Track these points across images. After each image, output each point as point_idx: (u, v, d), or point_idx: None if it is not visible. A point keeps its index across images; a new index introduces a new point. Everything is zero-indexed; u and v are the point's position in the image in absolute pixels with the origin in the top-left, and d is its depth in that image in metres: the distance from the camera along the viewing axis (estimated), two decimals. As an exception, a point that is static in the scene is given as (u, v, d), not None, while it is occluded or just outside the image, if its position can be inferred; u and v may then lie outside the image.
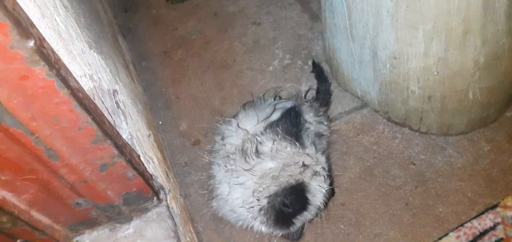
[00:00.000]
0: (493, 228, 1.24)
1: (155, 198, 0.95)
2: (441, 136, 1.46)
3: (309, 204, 1.06)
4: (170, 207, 1.04)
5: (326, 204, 1.10)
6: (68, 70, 0.63)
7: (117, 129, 0.84)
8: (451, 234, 1.25)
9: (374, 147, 1.47)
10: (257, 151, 1.05)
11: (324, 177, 1.08)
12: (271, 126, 1.11)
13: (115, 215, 0.91)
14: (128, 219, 0.95)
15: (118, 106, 0.95)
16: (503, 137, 1.44)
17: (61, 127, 0.65)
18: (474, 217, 1.27)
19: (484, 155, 1.41)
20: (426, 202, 1.32)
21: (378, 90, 1.43)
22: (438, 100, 1.34)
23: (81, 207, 0.84)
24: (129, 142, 0.90)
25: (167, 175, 1.19)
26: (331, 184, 1.12)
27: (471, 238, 1.23)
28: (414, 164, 1.42)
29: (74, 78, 0.65)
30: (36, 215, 0.80)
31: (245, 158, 1.06)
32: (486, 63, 1.23)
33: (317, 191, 1.06)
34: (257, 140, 1.08)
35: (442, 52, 1.21)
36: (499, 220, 1.25)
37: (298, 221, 1.08)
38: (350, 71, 1.49)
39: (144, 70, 1.68)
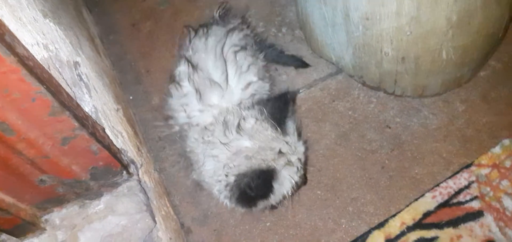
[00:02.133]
0: (467, 186, 1.26)
1: (124, 172, 0.92)
2: (416, 98, 1.47)
3: (273, 193, 1.05)
4: (142, 181, 1.01)
5: (293, 193, 1.11)
6: (15, 37, 0.58)
7: (78, 101, 0.80)
8: (427, 194, 1.26)
9: (350, 113, 1.47)
10: (239, 126, 1.03)
11: (297, 169, 1.07)
12: (259, 104, 1.09)
13: (84, 191, 0.88)
14: (98, 195, 0.92)
15: (81, 78, 0.91)
16: (477, 97, 1.45)
17: (13, 99, 0.61)
18: (449, 177, 1.29)
19: (458, 115, 1.43)
20: (402, 165, 1.33)
21: (352, 54, 1.42)
22: (412, 61, 1.33)
23: (46, 184, 0.80)
24: (93, 115, 0.87)
25: (139, 149, 1.16)
26: (304, 175, 1.12)
27: (446, 197, 1.25)
28: (390, 128, 1.42)
29: (23, 46, 0.60)
30: (-2, 194, 0.76)
31: (224, 131, 1.04)
32: (459, 20, 1.22)
33: (286, 180, 1.05)
34: (241, 115, 1.05)
35: (414, 10, 1.19)
36: (473, 178, 1.28)
37: (260, 205, 1.08)
38: (324, 36, 1.47)
39: (112, 43, 1.62)
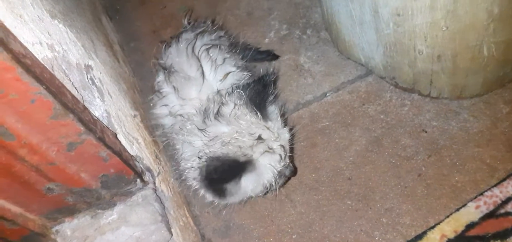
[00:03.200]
0: (516, 195, 1.14)
1: (138, 180, 0.87)
2: (454, 100, 1.35)
3: (238, 179, 1.00)
4: (159, 190, 0.96)
5: (284, 183, 1.08)
6: (10, 33, 0.54)
7: (87, 104, 0.76)
8: (469, 204, 1.15)
9: (382, 116, 1.37)
10: (218, 112, 1.01)
11: (281, 157, 1.01)
12: (238, 88, 1.07)
13: (95, 200, 0.83)
14: (110, 205, 0.87)
15: (93, 82, 0.87)
16: (523, 97, 1.33)
17: (10, 100, 0.57)
18: (495, 185, 1.17)
19: (502, 118, 1.30)
20: (440, 172, 1.22)
21: (383, 54, 1.32)
22: (449, 59, 1.22)
23: (54, 192, 0.76)
24: (105, 120, 0.82)
25: (157, 157, 1.11)
26: (291, 165, 1.08)
27: (492, 207, 1.13)
28: (426, 132, 1.31)
29: (20, 43, 0.56)
30: (3, 203, 0.72)
31: (204, 119, 1.03)
32: (501, 13, 1.11)
33: (266, 169, 1.00)
34: (221, 101, 1.02)
35: (451, 3, 1.09)
36: (522, 186, 1.15)
37: (234, 194, 1.03)
38: (351, 36, 1.38)
39: (133, 51, 1.60)
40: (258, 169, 1.00)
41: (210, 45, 1.18)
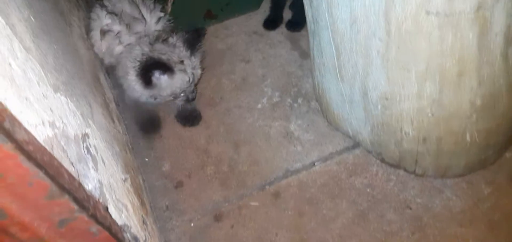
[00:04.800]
0: (496, 280, 1.16)
1: (125, 252, 0.86)
2: (438, 178, 1.39)
3: (161, 74, 1.37)
4: (144, 260, 0.95)
5: (182, 98, 1.46)
6: (17, 121, 0.56)
7: (81, 179, 0.77)
8: (451, 286, 1.16)
9: (368, 190, 1.40)
10: (165, 40, 1.43)
11: (189, 78, 1.41)
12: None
13: (81, 272, 0.82)
14: (95, 277, 0.86)
15: (88, 151, 0.88)
16: (503, 179, 1.37)
17: (8, 183, 0.58)
18: (476, 267, 1.19)
19: (484, 198, 1.34)
20: (424, 250, 1.24)
21: (370, 131, 1.37)
22: (433, 142, 1.27)
23: (40, 266, 0.75)
24: (97, 191, 0.83)
25: (144, 222, 1.11)
26: (195, 89, 1.47)
27: (473, 291, 1.15)
28: (411, 208, 1.34)
29: (25, 129, 0.58)
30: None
31: (151, 43, 1.41)
32: (483, 104, 1.17)
33: (178, 80, 1.39)
34: (167, 36, 1.45)
35: (436, 93, 1.15)
36: (502, 271, 1.17)
37: (156, 85, 1.38)
38: (341, 111, 1.43)
39: (127, 108, 1.62)
40: (174, 77, 1.38)
41: None
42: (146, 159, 1.48)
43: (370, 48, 1.14)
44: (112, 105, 1.41)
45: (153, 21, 1.50)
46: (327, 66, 1.34)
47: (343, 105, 1.39)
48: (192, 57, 1.42)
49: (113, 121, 1.29)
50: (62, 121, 0.77)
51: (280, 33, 1.91)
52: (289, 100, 1.65)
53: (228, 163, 1.49)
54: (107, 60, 1.50)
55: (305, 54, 1.80)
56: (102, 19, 1.45)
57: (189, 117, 1.59)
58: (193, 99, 1.48)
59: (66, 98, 0.86)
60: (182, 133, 1.57)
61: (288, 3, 1.94)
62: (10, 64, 0.63)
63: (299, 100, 1.65)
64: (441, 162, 1.34)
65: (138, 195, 1.20)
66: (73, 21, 1.37)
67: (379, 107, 1.25)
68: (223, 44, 1.86)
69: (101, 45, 1.46)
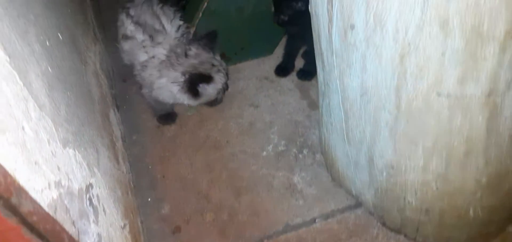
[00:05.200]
0: None
1: None
2: (439, 248, 1.38)
3: (211, 87, 1.62)
4: None
5: (224, 90, 1.70)
6: (24, 192, 0.57)
7: (81, 237, 0.77)
8: None
9: (367, 253, 1.38)
10: (186, 54, 1.60)
11: (223, 74, 1.65)
12: (197, 39, 1.67)
13: None
14: None
15: (90, 203, 0.88)
16: (505, 254, 1.35)
17: (9, 252, 0.58)
18: None
19: (485, 273, 1.32)
20: None
21: (374, 194, 1.36)
22: (436, 214, 1.26)
23: None
24: (96, 246, 0.83)
25: (140, 271, 1.10)
26: (227, 81, 1.68)
27: None
28: (410, 277, 1.32)
29: (31, 198, 0.58)
30: None
31: (177, 58, 1.59)
32: (489, 183, 1.17)
33: (218, 81, 1.63)
34: (186, 47, 1.62)
35: (442, 169, 1.15)
36: None
37: (203, 95, 1.61)
38: (345, 170, 1.43)
39: (133, 144, 1.63)
40: (215, 81, 1.60)
41: (161, 5, 1.70)
42: (149, 199, 1.48)
43: (379, 119, 1.14)
44: (119, 144, 1.42)
45: (173, 30, 1.66)
46: (335, 127, 1.35)
47: (348, 165, 1.39)
48: (216, 56, 1.65)
49: (118, 162, 1.30)
50: (68, 178, 0.78)
51: (291, 81, 1.92)
52: (294, 150, 1.66)
53: (228, 211, 1.48)
54: (126, 60, 1.70)
55: (314, 105, 1.81)
56: (127, 25, 1.64)
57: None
58: (227, 88, 1.71)
59: (74, 150, 0.86)
60: (185, 175, 1.57)
61: (301, 52, 1.96)
62: (23, 128, 0.64)
63: (305, 151, 1.65)
64: (443, 233, 1.32)
65: (136, 240, 1.19)
66: (89, 57, 1.39)
67: (384, 174, 1.25)
68: (234, 87, 1.88)
69: (122, 46, 1.67)
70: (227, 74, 1.66)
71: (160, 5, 1.69)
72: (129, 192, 1.33)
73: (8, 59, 0.65)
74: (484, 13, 0.87)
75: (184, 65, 1.56)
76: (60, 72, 0.96)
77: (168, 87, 1.58)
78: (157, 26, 1.63)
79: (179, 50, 1.59)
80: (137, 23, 1.62)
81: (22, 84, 0.68)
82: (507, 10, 0.86)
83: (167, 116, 1.76)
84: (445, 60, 0.96)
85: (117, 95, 1.79)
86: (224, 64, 1.65)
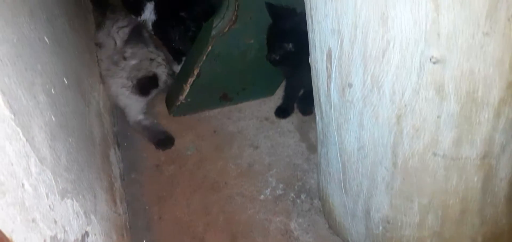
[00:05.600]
0: None
1: None
2: None
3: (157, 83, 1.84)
4: None
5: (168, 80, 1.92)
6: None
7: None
8: None
9: None
10: (124, 58, 1.77)
11: (164, 65, 1.87)
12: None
13: None
14: None
15: (85, 253, 0.89)
16: None
17: None
18: None
19: None
20: None
21: (370, 246, 1.36)
22: (432, 269, 1.25)
23: None
24: None
25: None
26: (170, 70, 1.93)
27: None
28: None
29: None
30: None
31: (117, 63, 1.77)
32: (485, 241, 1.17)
33: (162, 75, 1.85)
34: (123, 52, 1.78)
35: (438, 226, 1.15)
36: None
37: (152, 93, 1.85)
38: (343, 220, 1.43)
39: (132, 183, 1.63)
40: (159, 75, 1.81)
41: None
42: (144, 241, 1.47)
43: (376, 174, 1.15)
44: (117, 184, 1.43)
45: (110, 41, 1.79)
46: (333, 176, 1.35)
47: (346, 215, 1.39)
48: (150, 47, 1.81)
49: (115, 204, 1.30)
50: (64, 230, 0.79)
51: (291, 123, 1.94)
52: (292, 194, 1.66)
53: (223, 257, 1.47)
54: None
55: (313, 148, 1.82)
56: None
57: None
58: (173, 75, 1.91)
59: (72, 199, 0.88)
60: (182, 217, 1.56)
61: (300, 93, 1.99)
62: (23, 185, 0.65)
63: (303, 196, 1.65)
64: (439, 288, 1.31)
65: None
66: (93, 98, 1.42)
67: (380, 228, 1.25)
68: (235, 126, 1.90)
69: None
70: (167, 63, 1.83)
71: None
72: (125, 234, 1.33)
73: (12, 116, 0.67)
74: (478, 80, 0.89)
75: (126, 69, 1.73)
76: (64, 118, 0.98)
77: (119, 92, 1.75)
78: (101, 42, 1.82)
79: (115, 57, 1.74)
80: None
81: (24, 140, 0.70)
82: (501, 79, 0.89)
83: (165, 140, 1.81)
84: (441, 123, 0.98)
85: (119, 132, 1.81)
86: (161, 53, 1.81)
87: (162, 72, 1.80)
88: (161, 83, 1.82)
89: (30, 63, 0.84)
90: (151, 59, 1.77)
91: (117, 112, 1.91)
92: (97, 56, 1.78)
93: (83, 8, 1.72)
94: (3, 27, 0.75)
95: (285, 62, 1.72)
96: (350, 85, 1.05)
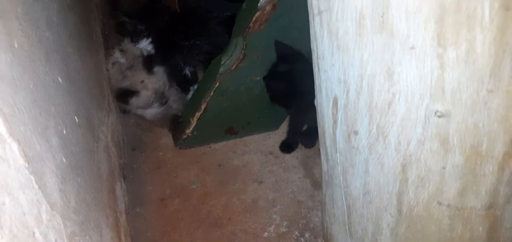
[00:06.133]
0: None
1: None
2: None
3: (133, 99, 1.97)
4: None
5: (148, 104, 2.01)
6: None
7: None
8: None
9: None
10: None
11: (151, 92, 1.98)
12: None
13: None
14: None
15: None
16: None
17: None
18: None
19: None
20: None
21: (375, 290, 1.34)
22: None
23: None
24: None
25: None
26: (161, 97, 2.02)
27: None
28: None
29: None
30: None
31: None
32: None
33: (143, 97, 1.96)
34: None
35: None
36: None
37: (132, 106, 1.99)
38: (347, 262, 1.42)
39: (136, 216, 1.64)
40: (140, 94, 1.93)
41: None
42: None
43: (381, 220, 1.15)
44: (122, 219, 1.44)
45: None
46: (337, 218, 1.36)
47: (349, 258, 1.39)
48: (153, 76, 1.96)
49: (120, 240, 1.31)
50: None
51: (295, 157, 1.95)
52: (296, 232, 1.65)
53: None
54: None
55: (317, 184, 1.82)
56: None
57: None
58: (164, 103, 2.03)
59: None
60: (186, 253, 1.56)
61: (304, 128, 2.01)
62: (34, 234, 0.66)
63: (307, 235, 1.65)
64: None
65: None
66: (102, 132, 1.44)
67: (384, 274, 1.24)
68: (239, 160, 1.91)
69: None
70: (157, 92, 1.97)
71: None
72: (128, 271, 1.33)
73: (27, 165, 0.69)
74: (483, 135, 0.91)
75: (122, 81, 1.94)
76: (74, 158, 1.00)
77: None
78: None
79: (121, 71, 1.97)
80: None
81: (37, 188, 0.71)
82: (505, 133, 0.90)
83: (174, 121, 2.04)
84: (446, 173, 0.98)
85: (125, 164, 1.82)
86: (158, 84, 1.97)
87: (144, 94, 1.94)
88: (141, 101, 1.95)
89: (44, 107, 0.87)
90: (142, 81, 1.93)
91: (125, 143, 1.94)
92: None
93: (95, 42, 1.76)
94: (21, 75, 0.78)
95: (282, 101, 1.80)
96: (355, 133, 1.06)
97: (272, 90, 1.78)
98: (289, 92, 1.73)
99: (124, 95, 1.90)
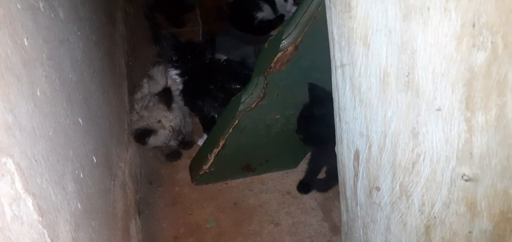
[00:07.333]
0: None
1: None
2: None
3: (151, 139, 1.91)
4: None
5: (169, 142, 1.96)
6: None
7: None
8: None
9: None
10: (143, 107, 1.96)
11: (169, 131, 1.91)
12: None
13: None
14: None
15: None
16: None
17: None
18: None
19: None
20: None
21: None
22: None
23: None
24: None
25: None
26: (180, 138, 1.98)
27: None
28: None
29: None
30: None
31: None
32: None
33: (161, 136, 1.90)
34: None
35: None
36: None
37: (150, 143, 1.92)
38: None
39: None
40: (157, 135, 1.88)
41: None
42: None
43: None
44: (136, 259, 1.42)
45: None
46: (355, 271, 1.30)
47: None
48: (171, 112, 1.91)
49: (132, 281, 1.29)
50: None
51: (314, 199, 1.90)
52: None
53: None
54: None
55: (336, 229, 1.77)
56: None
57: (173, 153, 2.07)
58: (181, 140, 2.00)
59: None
60: None
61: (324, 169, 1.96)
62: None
63: (322, 283, 1.59)
64: None
65: None
66: (119, 168, 1.44)
67: None
68: (256, 199, 1.88)
69: None
70: (174, 130, 1.92)
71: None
72: None
73: (40, 219, 0.68)
74: (513, 201, 0.86)
75: (139, 115, 1.92)
76: (89, 202, 0.99)
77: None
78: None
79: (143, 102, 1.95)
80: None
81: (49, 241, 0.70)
82: (538, 201, 0.85)
83: (173, 153, 2.06)
84: (472, 238, 0.93)
85: (141, 199, 1.82)
86: (175, 120, 1.92)
87: (162, 133, 1.89)
88: (158, 140, 1.91)
89: (62, 153, 0.87)
90: (160, 121, 1.89)
91: (142, 177, 1.94)
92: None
93: (118, 75, 1.79)
94: (42, 123, 0.78)
95: (312, 142, 1.75)
96: (377, 189, 1.02)
97: (306, 132, 1.75)
98: (323, 134, 1.68)
99: (142, 136, 1.87)
